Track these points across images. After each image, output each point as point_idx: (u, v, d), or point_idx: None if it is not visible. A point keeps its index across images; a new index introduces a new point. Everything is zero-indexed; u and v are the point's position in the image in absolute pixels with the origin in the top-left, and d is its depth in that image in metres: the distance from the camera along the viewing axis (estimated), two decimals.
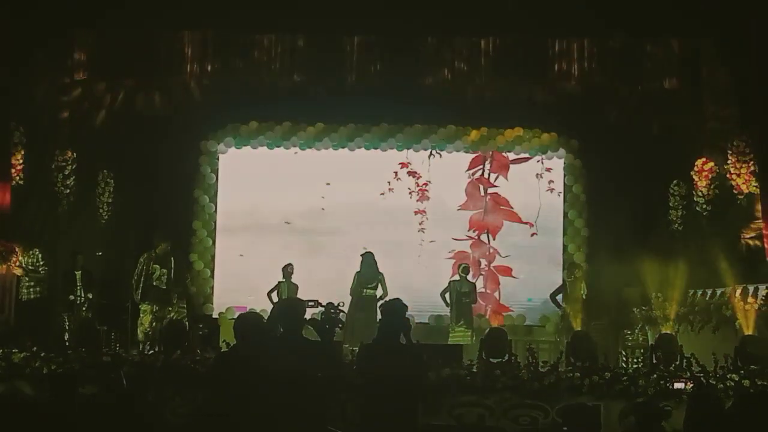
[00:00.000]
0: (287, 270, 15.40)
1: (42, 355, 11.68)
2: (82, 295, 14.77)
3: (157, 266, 14.40)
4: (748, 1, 13.84)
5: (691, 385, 10.83)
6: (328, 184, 17.38)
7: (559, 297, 15.28)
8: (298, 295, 14.96)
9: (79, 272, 14.90)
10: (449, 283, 15.68)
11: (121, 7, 14.44)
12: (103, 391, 8.37)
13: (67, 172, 15.70)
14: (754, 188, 14.44)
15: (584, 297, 14.93)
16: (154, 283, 14.30)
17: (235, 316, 8.10)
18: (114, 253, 16.16)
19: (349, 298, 15.02)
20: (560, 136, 17.34)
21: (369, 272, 15.33)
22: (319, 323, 7.55)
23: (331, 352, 7.83)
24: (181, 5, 14.59)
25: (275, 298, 15.14)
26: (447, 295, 15.51)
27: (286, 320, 7.40)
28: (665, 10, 14.19)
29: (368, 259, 15.39)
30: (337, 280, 15.52)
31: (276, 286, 15.33)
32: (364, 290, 15.22)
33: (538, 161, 17.55)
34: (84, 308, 14.70)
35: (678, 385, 11.04)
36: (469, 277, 15.93)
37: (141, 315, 14.15)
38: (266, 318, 7.93)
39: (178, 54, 15.34)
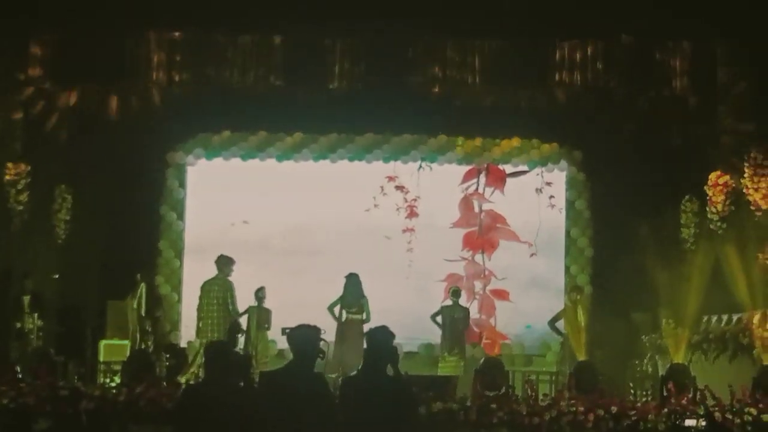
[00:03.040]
0: (259, 294, 15.25)
1: None
2: (33, 322, 14.69)
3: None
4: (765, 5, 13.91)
5: (704, 423, 10.83)
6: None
7: (560, 324, 15.27)
8: (271, 322, 14.98)
9: (28, 297, 14.81)
10: (441, 308, 15.63)
11: (82, 6, 14.43)
12: (60, 428, 8.32)
13: (20, 187, 15.65)
14: None
15: (582, 325, 14.91)
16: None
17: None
18: (72, 276, 16.09)
19: (328, 319, 14.89)
20: (562, 146, 17.41)
21: (353, 295, 15.26)
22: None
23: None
24: (147, 3, 14.59)
25: (244, 325, 15.03)
26: (438, 318, 15.46)
27: (302, 350, 7.37)
28: (676, 10, 14.26)
29: (353, 280, 15.31)
30: (317, 305, 15.44)
31: (245, 310, 15.17)
32: (347, 314, 15.16)
33: (537, 174, 17.59)
34: (34, 336, 14.60)
35: (689, 422, 11.05)
36: (462, 301, 15.87)
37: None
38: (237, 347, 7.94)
39: (143, 57, 15.35)
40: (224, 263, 14.50)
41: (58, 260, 16.05)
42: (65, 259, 16.20)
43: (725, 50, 15.09)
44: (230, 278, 14.61)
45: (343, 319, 15.16)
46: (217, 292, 14.41)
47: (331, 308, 15.16)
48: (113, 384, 12.54)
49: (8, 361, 14.01)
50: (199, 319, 14.71)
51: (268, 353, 15.04)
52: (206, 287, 14.53)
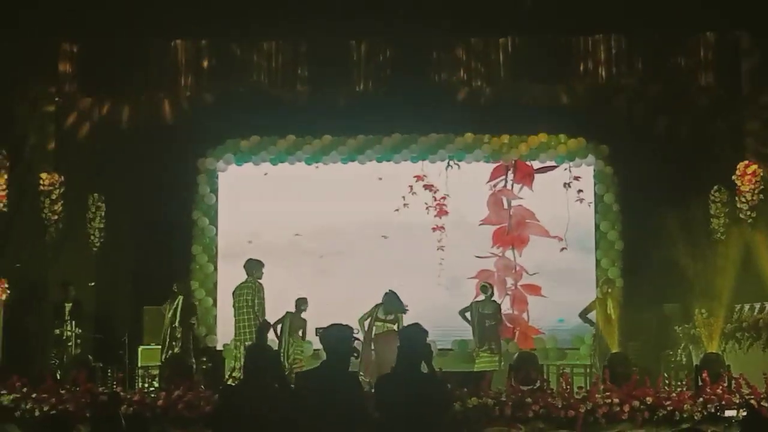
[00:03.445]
0: (299, 304, 15.17)
1: (33, 396, 11.72)
2: (72, 330, 14.83)
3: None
4: None
5: (744, 412, 10.77)
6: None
7: (591, 315, 15.24)
8: (304, 333, 14.99)
9: (70, 304, 14.98)
10: (471, 303, 15.58)
11: (109, 17, 14.52)
12: None
13: (54, 197, 15.74)
14: None
15: (614, 317, 14.88)
16: None
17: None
18: (108, 283, 16.22)
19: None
20: (589, 141, 17.36)
21: (391, 308, 15.07)
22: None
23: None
24: (173, 13, 14.67)
25: (278, 331, 15.05)
26: (468, 314, 15.41)
27: (334, 348, 7.42)
28: (699, 1, 14.21)
29: (393, 297, 15.10)
30: (348, 305, 15.44)
31: (282, 316, 15.21)
32: (383, 324, 14.99)
33: (565, 169, 17.56)
34: (72, 343, 14.75)
35: (729, 413, 11.00)
36: (492, 297, 15.80)
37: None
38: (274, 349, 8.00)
39: (171, 65, 15.42)
40: (253, 266, 14.51)
41: (93, 268, 16.18)
42: (100, 267, 16.34)
43: (750, 39, 15.00)
44: (260, 281, 14.61)
45: (376, 330, 14.97)
46: (247, 295, 14.43)
47: (362, 320, 15.01)
48: (152, 388, 12.61)
49: (48, 369, 14.16)
50: (235, 323, 14.76)
51: (300, 357, 15.00)
52: (237, 291, 14.57)
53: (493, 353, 15.04)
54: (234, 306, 14.63)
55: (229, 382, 13.15)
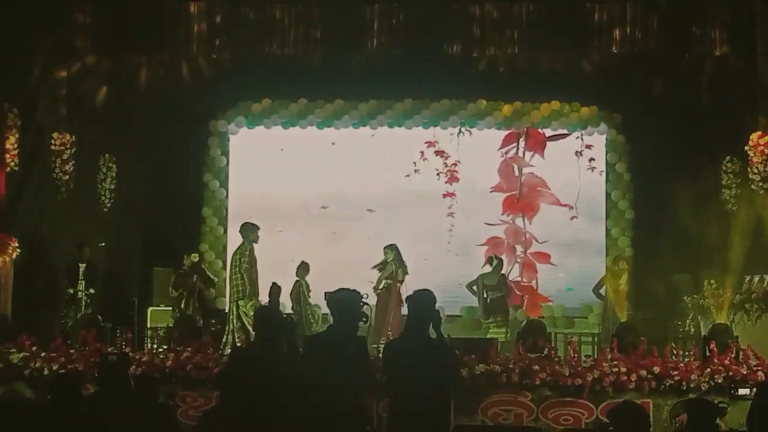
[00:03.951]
0: (303, 269, 15.25)
1: (42, 354, 11.75)
2: (85, 290, 14.86)
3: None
4: None
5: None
6: (333, 143, 17.41)
7: (603, 289, 15.20)
8: (311, 295, 15.02)
9: (84, 265, 15.01)
10: (478, 276, 15.50)
11: None
12: (108, 393, 8.40)
13: (65, 157, 15.74)
14: None
15: (624, 288, 14.86)
16: None
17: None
18: (118, 244, 16.23)
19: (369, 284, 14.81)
20: (601, 109, 17.26)
21: (401, 262, 15.09)
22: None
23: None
24: None
25: (291, 299, 15.08)
26: (474, 287, 15.39)
27: (342, 313, 7.41)
28: None
29: (397, 250, 15.13)
30: (356, 270, 15.43)
31: (295, 285, 15.20)
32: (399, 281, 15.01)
33: (577, 138, 17.48)
34: (85, 304, 14.79)
35: (743, 391, 10.96)
36: (500, 268, 15.71)
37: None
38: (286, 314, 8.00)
39: (184, 27, 15.37)
40: (248, 230, 14.37)
41: (104, 229, 16.19)
42: (111, 227, 16.35)
43: (766, 9, 14.86)
44: (256, 244, 14.41)
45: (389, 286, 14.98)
46: (241, 258, 14.30)
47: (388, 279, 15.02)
48: (161, 349, 12.63)
49: (57, 328, 14.20)
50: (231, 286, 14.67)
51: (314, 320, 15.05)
52: (234, 256, 14.47)
53: (499, 326, 15.02)
54: (230, 270, 14.60)
55: (228, 343, 13.24)
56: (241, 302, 13.59)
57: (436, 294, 7.68)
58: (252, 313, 13.25)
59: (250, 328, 13.24)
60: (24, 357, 11.72)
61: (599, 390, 11.13)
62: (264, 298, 14.13)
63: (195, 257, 15.65)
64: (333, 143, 17.50)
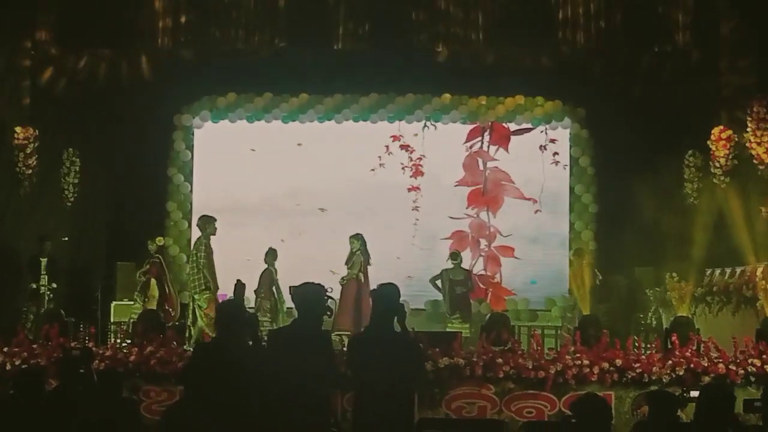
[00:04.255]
0: (271, 254, 15.23)
1: (5, 349, 11.66)
2: (47, 284, 14.77)
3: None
4: None
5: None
6: (299, 144, 17.37)
7: (439, 281, 15.37)
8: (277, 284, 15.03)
9: (45, 259, 14.90)
10: (441, 271, 15.56)
11: None
12: (71, 387, 8.36)
13: (28, 151, 15.60)
14: None
15: (598, 283, 14.98)
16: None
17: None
18: (81, 239, 16.13)
19: (333, 278, 14.82)
20: (565, 104, 17.35)
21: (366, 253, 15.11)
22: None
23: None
24: None
25: (261, 285, 15.03)
26: (438, 282, 15.43)
27: (306, 307, 7.39)
28: None
29: (363, 239, 15.16)
30: (322, 264, 15.43)
31: (265, 272, 15.16)
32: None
33: (541, 132, 17.56)
34: (48, 298, 14.70)
35: (694, 394, 11.04)
36: (463, 264, 15.79)
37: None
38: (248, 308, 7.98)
39: (148, 19, 15.28)
40: (206, 222, 14.31)
41: (67, 223, 16.09)
42: (74, 222, 16.26)
43: (727, 3, 14.97)
44: (214, 236, 14.34)
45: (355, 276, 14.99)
46: (198, 251, 14.23)
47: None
48: (124, 344, 12.57)
49: (20, 323, 14.09)
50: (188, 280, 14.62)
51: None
52: (192, 250, 14.42)
53: (464, 321, 15.06)
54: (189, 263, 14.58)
55: (192, 337, 13.21)
56: (196, 296, 13.59)
57: (400, 288, 7.70)
58: (205, 306, 13.30)
59: (202, 322, 13.27)
60: None
61: (562, 382, 11.19)
62: (225, 291, 14.08)
63: (160, 240, 15.57)
64: (299, 144, 17.42)
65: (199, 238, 13.98)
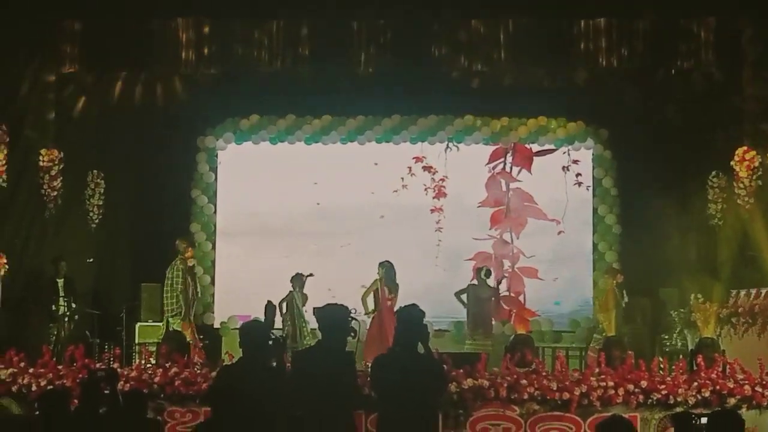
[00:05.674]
0: (299, 280, 15.26)
1: (30, 370, 11.69)
2: (66, 305, 14.83)
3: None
4: None
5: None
6: (315, 183, 17.41)
7: (465, 296, 15.46)
8: (306, 307, 15.02)
9: (62, 280, 14.99)
10: (468, 286, 15.60)
11: None
12: (96, 409, 8.37)
13: (53, 173, 15.65)
14: None
15: (612, 303, 14.93)
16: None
17: (239, 326, 8.17)
18: (106, 260, 16.20)
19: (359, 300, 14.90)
20: (588, 125, 17.33)
21: (393, 281, 15.19)
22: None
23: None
24: None
25: (284, 309, 15.06)
26: (464, 296, 15.44)
27: (330, 328, 7.41)
28: None
29: (389, 268, 15.25)
30: (345, 285, 15.45)
31: (287, 296, 15.19)
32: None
33: (564, 153, 17.53)
34: (67, 319, 14.77)
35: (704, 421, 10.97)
36: (491, 281, 15.86)
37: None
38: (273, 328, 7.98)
39: (172, 44, 15.33)
40: (180, 245, 14.57)
41: (92, 245, 16.16)
42: (99, 243, 16.32)
43: (750, 24, 14.92)
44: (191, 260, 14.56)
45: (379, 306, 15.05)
46: (174, 273, 14.38)
47: (364, 298, 15.12)
48: (149, 365, 12.58)
49: (45, 344, 14.13)
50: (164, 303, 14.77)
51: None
52: (168, 273, 14.59)
53: (486, 337, 15.04)
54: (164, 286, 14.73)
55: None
56: (170, 319, 13.75)
57: (424, 308, 7.69)
58: (180, 330, 13.57)
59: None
60: (12, 373, 11.66)
61: (587, 404, 11.12)
62: (250, 312, 14.14)
63: (191, 261, 15.58)
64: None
65: (175, 262, 14.10)
